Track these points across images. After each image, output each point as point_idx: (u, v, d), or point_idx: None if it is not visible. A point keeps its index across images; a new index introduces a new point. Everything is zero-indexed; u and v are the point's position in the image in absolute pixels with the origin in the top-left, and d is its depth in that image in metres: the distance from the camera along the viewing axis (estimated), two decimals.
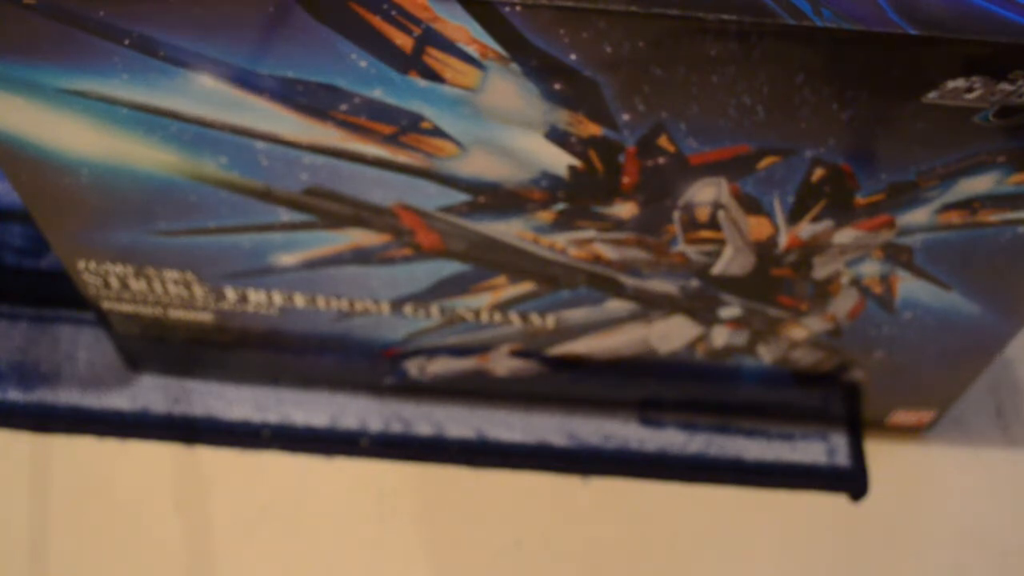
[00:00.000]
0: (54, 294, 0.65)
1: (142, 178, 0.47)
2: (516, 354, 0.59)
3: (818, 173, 0.44)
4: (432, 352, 0.59)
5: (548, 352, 0.58)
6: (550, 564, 0.60)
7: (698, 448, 0.63)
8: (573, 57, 0.40)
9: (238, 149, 0.45)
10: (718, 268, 0.50)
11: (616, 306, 0.54)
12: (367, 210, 0.48)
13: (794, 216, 0.47)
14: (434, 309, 0.55)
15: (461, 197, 0.47)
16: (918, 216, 0.46)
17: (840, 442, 0.64)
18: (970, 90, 0.39)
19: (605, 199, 0.47)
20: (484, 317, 0.55)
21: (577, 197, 0.47)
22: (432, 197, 0.47)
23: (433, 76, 0.41)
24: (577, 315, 0.55)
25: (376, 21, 0.39)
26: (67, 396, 0.63)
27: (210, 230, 0.50)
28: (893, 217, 0.46)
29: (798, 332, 0.55)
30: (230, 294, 0.55)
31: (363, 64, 0.41)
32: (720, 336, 0.56)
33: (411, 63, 0.41)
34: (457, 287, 0.53)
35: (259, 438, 0.62)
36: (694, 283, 0.52)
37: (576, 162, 0.45)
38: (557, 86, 0.41)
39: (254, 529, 0.60)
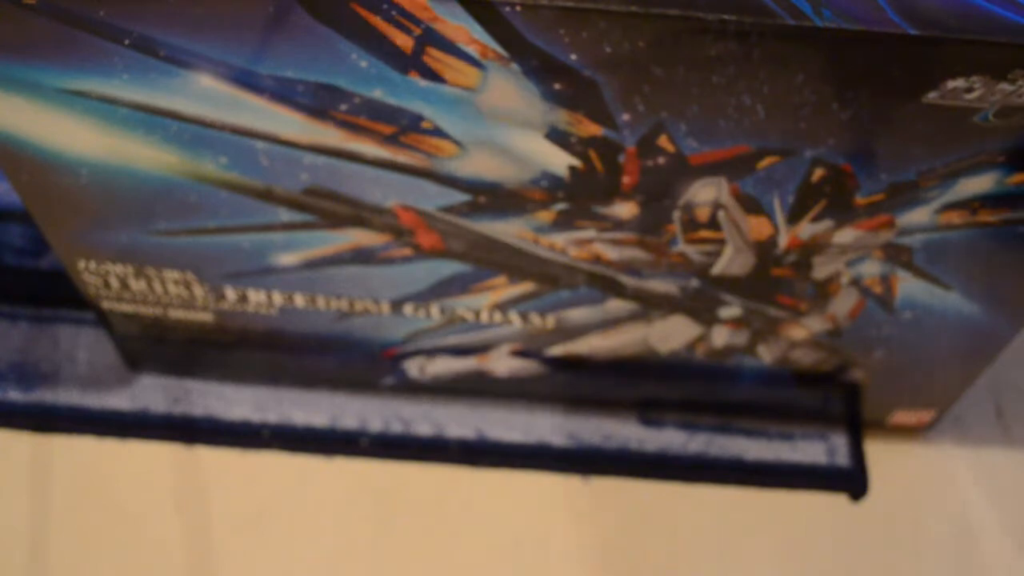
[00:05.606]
0: (54, 294, 0.65)
1: (142, 178, 0.47)
2: (516, 354, 0.59)
3: (818, 173, 0.44)
4: (432, 352, 0.59)
5: (548, 352, 0.58)
6: (550, 564, 0.60)
7: (698, 448, 0.63)
8: (573, 57, 0.40)
9: (238, 149, 0.45)
10: (718, 268, 0.50)
11: (616, 306, 0.54)
12: (367, 210, 0.48)
13: (794, 216, 0.47)
14: (434, 309, 0.55)
15: (461, 197, 0.47)
16: (918, 216, 0.46)
17: (840, 442, 0.64)
18: (970, 90, 0.39)
19: (605, 199, 0.46)
20: (484, 317, 0.55)
21: (577, 197, 0.47)
22: (432, 197, 0.47)
23: (433, 76, 0.41)
24: (577, 315, 0.55)
25: (376, 21, 0.39)
26: (67, 396, 0.63)
27: (210, 230, 0.50)
28: (893, 217, 0.46)
29: (798, 332, 0.55)
30: (230, 294, 0.55)
31: (363, 64, 0.41)
32: (720, 336, 0.56)
33: (411, 63, 0.41)
34: (457, 287, 0.53)
35: (259, 438, 0.62)
36: (694, 283, 0.52)
37: (576, 162, 0.45)
38: (557, 86, 0.41)
39: (254, 529, 0.60)
